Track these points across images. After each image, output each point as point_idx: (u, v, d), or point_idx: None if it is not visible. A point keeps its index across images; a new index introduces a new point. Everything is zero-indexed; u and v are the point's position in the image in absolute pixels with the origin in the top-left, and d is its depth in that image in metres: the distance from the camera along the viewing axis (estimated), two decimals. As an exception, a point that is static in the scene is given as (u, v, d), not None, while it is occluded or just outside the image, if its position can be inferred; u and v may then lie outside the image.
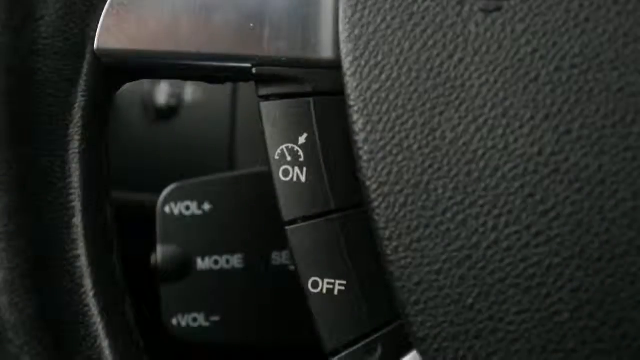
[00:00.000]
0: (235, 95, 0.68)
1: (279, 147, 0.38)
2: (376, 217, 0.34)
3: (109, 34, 0.38)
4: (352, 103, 0.35)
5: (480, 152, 0.33)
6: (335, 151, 0.37)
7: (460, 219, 0.33)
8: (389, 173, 0.34)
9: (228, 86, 0.69)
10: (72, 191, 0.38)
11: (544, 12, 0.33)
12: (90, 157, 0.39)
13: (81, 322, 0.37)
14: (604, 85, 0.32)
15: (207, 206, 0.54)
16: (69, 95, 0.38)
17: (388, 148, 0.34)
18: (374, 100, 0.34)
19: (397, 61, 0.34)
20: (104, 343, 0.37)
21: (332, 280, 0.37)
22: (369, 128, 0.34)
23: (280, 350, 0.61)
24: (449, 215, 0.33)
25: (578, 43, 0.33)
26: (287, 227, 0.38)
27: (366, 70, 0.35)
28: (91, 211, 0.38)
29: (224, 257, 0.54)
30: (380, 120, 0.34)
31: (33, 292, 0.36)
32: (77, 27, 0.38)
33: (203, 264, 0.54)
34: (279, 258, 0.55)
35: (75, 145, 0.38)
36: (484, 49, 0.34)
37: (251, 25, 0.38)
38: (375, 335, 0.37)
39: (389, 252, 0.34)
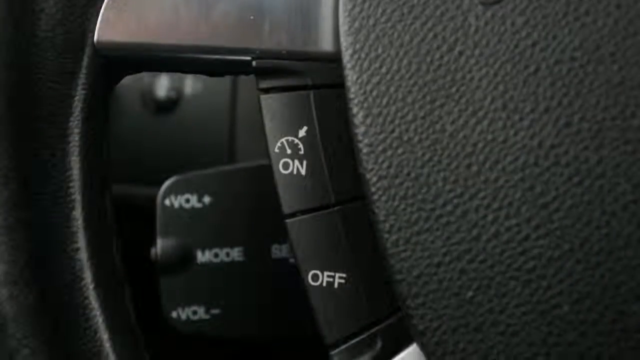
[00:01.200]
0: (235, 88, 0.69)
1: (279, 140, 0.38)
2: (376, 210, 0.34)
3: (108, 26, 0.38)
4: (352, 96, 0.35)
5: (480, 145, 0.33)
6: (335, 144, 0.37)
7: (460, 211, 0.33)
8: (389, 166, 0.34)
9: (228, 79, 0.69)
10: (72, 184, 0.38)
11: (544, 4, 0.33)
12: (90, 150, 0.39)
13: (81, 315, 0.37)
14: (604, 78, 0.32)
15: (207, 199, 0.54)
16: (69, 88, 0.38)
17: (388, 141, 0.34)
18: (374, 93, 0.34)
19: (397, 54, 0.34)
20: (104, 336, 0.37)
21: (332, 273, 0.37)
22: (369, 121, 0.34)
23: (280, 343, 0.61)
24: (448, 208, 0.33)
25: (578, 36, 0.33)
26: (287, 220, 0.38)
27: (366, 63, 0.35)
28: (91, 204, 0.38)
29: (224, 250, 0.54)
30: (380, 113, 0.34)
31: (33, 285, 0.36)
32: (77, 20, 0.38)
33: (203, 256, 0.54)
34: (279, 251, 0.55)
35: (75, 138, 0.38)
36: (483, 42, 0.34)
37: (251, 18, 0.38)
38: (375, 328, 0.37)
39: (388, 245, 0.34)
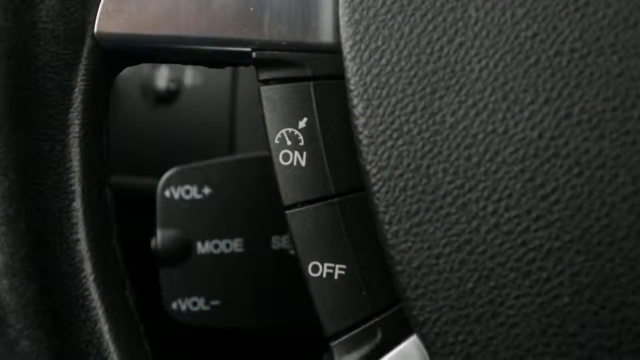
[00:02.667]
0: (235, 80, 0.69)
1: (279, 131, 0.38)
2: (376, 201, 0.34)
3: (108, 18, 0.38)
4: (352, 87, 0.35)
5: (480, 136, 0.33)
6: (335, 135, 0.37)
7: (460, 203, 0.33)
8: (389, 157, 0.34)
9: (228, 70, 0.69)
10: (72, 175, 0.38)
11: (544, -4, 0.33)
12: (90, 141, 0.39)
13: (81, 306, 0.38)
14: (604, 69, 0.32)
15: (207, 190, 0.54)
16: (69, 79, 0.38)
17: (388, 132, 0.34)
18: (374, 84, 0.34)
19: (397, 45, 0.34)
20: (104, 327, 0.38)
21: (332, 265, 0.37)
22: (369, 112, 0.34)
23: (280, 334, 0.61)
24: (449, 199, 0.33)
25: (578, 27, 0.33)
26: (287, 211, 0.38)
27: (366, 54, 0.35)
28: (91, 195, 0.38)
29: (224, 241, 0.54)
30: (380, 104, 0.34)
31: (33, 276, 0.37)
32: (77, 11, 0.38)
33: (203, 248, 0.54)
34: (279, 242, 0.55)
35: (75, 129, 0.38)
36: (483, 33, 0.33)
37: (251, 9, 0.38)
38: (375, 320, 0.37)
39: (389, 236, 0.34)
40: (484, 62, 0.33)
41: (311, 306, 0.37)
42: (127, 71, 0.43)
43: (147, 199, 0.55)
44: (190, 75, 0.70)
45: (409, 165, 0.34)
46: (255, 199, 0.55)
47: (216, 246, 0.54)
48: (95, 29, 0.38)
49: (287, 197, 0.38)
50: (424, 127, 0.34)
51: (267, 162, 0.38)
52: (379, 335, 0.37)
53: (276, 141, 0.38)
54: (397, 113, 0.34)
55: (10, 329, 0.36)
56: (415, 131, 0.34)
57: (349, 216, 0.37)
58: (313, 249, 0.37)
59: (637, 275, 0.31)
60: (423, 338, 0.34)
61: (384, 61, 0.34)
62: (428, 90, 0.34)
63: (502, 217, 0.33)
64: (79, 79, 0.38)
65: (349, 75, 0.35)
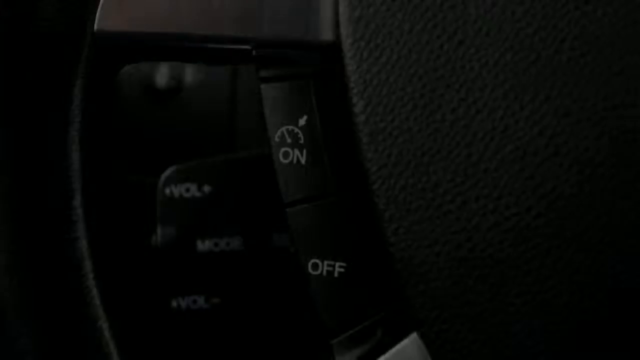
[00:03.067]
0: (236, 77, 0.68)
1: (279, 129, 0.38)
2: (376, 199, 0.34)
3: (109, 15, 0.38)
4: (352, 85, 0.35)
5: (480, 134, 0.33)
6: (335, 133, 0.37)
7: (461, 201, 0.33)
8: (389, 155, 0.34)
9: (228, 68, 0.69)
10: (72, 173, 0.38)
11: (545, -7, 0.33)
12: (90, 139, 0.39)
13: (81, 304, 0.38)
14: (604, 67, 0.32)
15: (207, 188, 0.54)
16: (69, 77, 0.38)
17: (388, 130, 0.34)
18: (374, 82, 0.34)
19: (397, 43, 0.34)
20: (104, 325, 0.38)
21: (332, 262, 0.37)
22: (369, 110, 0.34)
23: (281, 332, 0.61)
24: (449, 197, 0.33)
25: (578, 25, 0.33)
26: (287, 209, 0.38)
27: (366, 52, 0.35)
28: (91, 193, 0.38)
29: (224, 239, 0.54)
30: (380, 102, 0.34)
31: (33, 274, 0.37)
32: (77, 8, 0.38)
33: (203, 246, 0.54)
34: (279, 240, 0.55)
35: (75, 127, 0.38)
36: (484, 31, 0.33)
37: (251, 7, 0.38)
38: (376, 318, 0.37)
39: (389, 234, 0.34)
40: (483, 60, 0.33)
41: (311, 304, 0.37)
42: (127, 69, 0.43)
43: (147, 197, 0.55)
44: (191, 72, 0.69)
45: (409, 163, 0.34)
46: (256, 196, 0.55)
47: (216, 244, 0.54)
48: (95, 27, 0.38)
49: (287, 195, 0.38)
50: (423, 124, 0.34)
51: (267, 160, 0.38)
52: (379, 334, 0.37)
53: (276, 139, 0.38)
54: (397, 111, 0.34)
55: (11, 326, 0.36)
56: (415, 129, 0.34)
57: (349, 214, 0.37)
58: (313, 246, 0.37)
59: (637, 273, 0.31)
60: (423, 336, 0.34)
61: (384, 59, 0.34)
62: (428, 88, 0.34)
63: (502, 215, 0.33)
64: (79, 77, 0.38)
65: (349, 73, 0.35)
